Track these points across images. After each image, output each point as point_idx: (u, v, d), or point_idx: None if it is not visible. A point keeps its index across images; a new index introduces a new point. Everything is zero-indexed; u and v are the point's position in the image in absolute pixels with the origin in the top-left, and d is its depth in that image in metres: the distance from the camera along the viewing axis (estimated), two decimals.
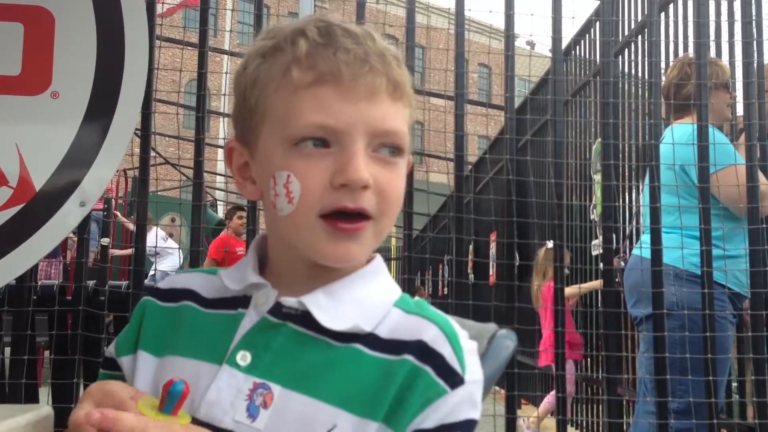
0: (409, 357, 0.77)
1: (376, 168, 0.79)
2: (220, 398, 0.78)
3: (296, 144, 0.79)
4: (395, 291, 0.87)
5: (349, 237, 0.79)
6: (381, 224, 0.81)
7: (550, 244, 4.97)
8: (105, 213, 5.86)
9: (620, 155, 3.58)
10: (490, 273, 6.82)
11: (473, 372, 0.79)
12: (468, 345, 0.81)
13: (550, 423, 4.47)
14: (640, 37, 3.77)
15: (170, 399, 0.69)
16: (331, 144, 0.78)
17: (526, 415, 5.23)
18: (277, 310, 0.81)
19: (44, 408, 0.84)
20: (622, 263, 3.43)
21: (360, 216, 0.79)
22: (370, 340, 0.80)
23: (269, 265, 0.88)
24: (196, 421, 0.76)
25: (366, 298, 0.83)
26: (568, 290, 4.78)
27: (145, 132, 2.11)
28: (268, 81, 0.82)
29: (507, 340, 0.97)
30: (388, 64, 0.80)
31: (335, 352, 0.79)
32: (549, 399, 4.93)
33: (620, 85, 3.56)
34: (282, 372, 0.78)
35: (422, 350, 0.78)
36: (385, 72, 0.79)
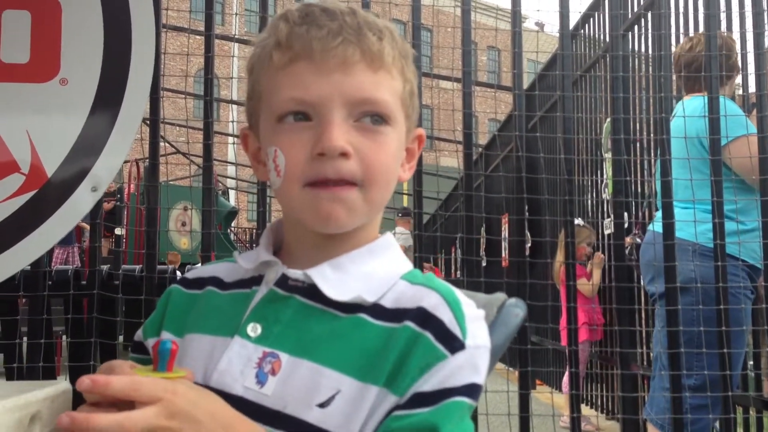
0: (409, 323, 0.79)
1: (358, 137, 0.82)
2: (230, 367, 0.81)
3: (280, 120, 0.83)
4: (405, 265, 0.89)
5: (332, 197, 0.81)
6: (370, 192, 0.83)
7: (578, 221, 4.96)
8: (118, 201, 5.90)
9: (631, 130, 3.56)
10: (503, 255, 6.82)
11: (476, 337, 0.81)
12: (472, 312, 0.83)
13: (564, 401, 4.48)
14: (649, 12, 3.74)
15: (161, 357, 0.71)
16: (312, 117, 0.82)
17: (543, 395, 5.24)
18: (284, 282, 0.85)
19: (62, 383, 0.85)
20: (638, 239, 3.42)
21: (344, 184, 0.82)
22: (375, 310, 0.82)
23: (283, 246, 0.92)
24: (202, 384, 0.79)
25: (372, 272, 0.86)
26: (584, 289, 4.77)
27: (154, 118, 2.12)
28: (259, 67, 0.87)
29: (516, 309, 0.98)
30: (363, 36, 0.82)
31: (340, 322, 0.82)
32: (567, 381, 4.91)
33: (630, 60, 3.54)
34: (290, 341, 0.81)
35: (422, 316, 0.80)
36: (358, 43, 0.82)
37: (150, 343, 0.92)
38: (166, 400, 0.68)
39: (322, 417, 0.76)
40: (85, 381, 0.68)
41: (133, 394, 0.67)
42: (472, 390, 0.79)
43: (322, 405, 0.76)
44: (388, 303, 0.82)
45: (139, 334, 0.95)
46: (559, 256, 4.95)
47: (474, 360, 0.79)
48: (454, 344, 0.78)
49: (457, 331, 0.79)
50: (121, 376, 0.69)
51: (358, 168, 0.81)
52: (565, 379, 4.88)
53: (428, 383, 0.77)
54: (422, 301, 0.81)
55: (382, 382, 0.77)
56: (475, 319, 0.82)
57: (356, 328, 0.81)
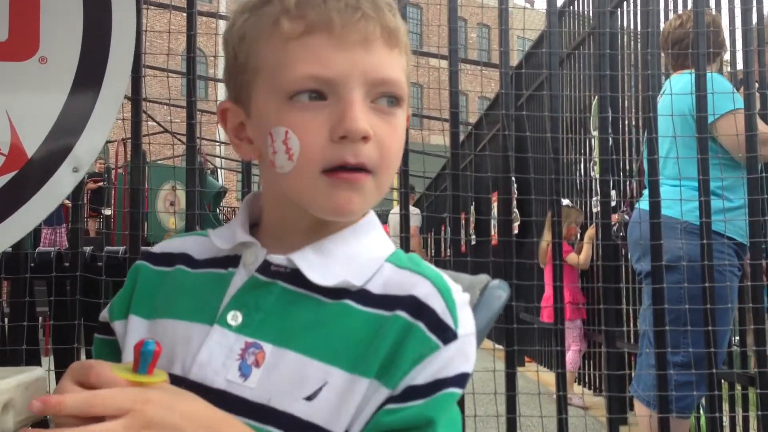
0: (401, 313, 0.76)
1: (375, 120, 0.77)
2: (211, 359, 0.77)
3: (291, 98, 0.76)
4: (388, 246, 0.86)
5: (350, 186, 0.77)
6: (381, 178, 0.79)
7: (565, 201, 4.99)
8: (105, 182, 5.86)
9: (618, 108, 3.55)
10: (493, 233, 6.83)
11: (466, 326, 0.79)
12: (461, 298, 0.80)
13: (550, 379, 4.50)
14: None
15: (143, 359, 0.68)
16: (328, 96, 0.76)
17: (532, 373, 5.27)
18: (266, 268, 0.80)
19: (36, 370, 0.83)
20: (626, 217, 3.42)
21: (360, 169, 0.77)
22: (361, 295, 0.79)
23: (261, 224, 0.87)
24: (179, 381, 0.75)
25: (357, 254, 0.82)
26: (573, 260, 4.82)
27: (135, 96, 2.09)
28: (257, 35, 0.79)
29: (499, 290, 0.96)
30: (380, 10, 0.77)
31: (326, 309, 0.78)
32: (569, 359, 4.96)
33: (618, 38, 3.52)
34: (273, 330, 0.77)
35: (414, 306, 0.77)
36: (378, 18, 0.77)
37: (117, 325, 0.87)
38: (137, 411, 0.65)
39: (308, 410, 0.73)
40: (35, 404, 0.65)
41: (91, 410, 0.64)
42: (462, 379, 0.77)
43: (308, 398, 0.73)
44: (375, 288, 0.79)
45: (104, 315, 0.90)
46: (546, 236, 4.98)
47: (464, 349, 0.77)
48: (447, 334, 0.76)
49: (449, 321, 0.77)
50: (75, 394, 0.66)
51: (375, 153, 0.77)
52: (568, 357, 4.93)
53: (421, 375, 0.74)
54: (414, 289, 0.78)
55: (373, 373, 0.74)
56: (463, 305, 0.80)
57: (342, 315, 0.77)
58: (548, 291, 4.92)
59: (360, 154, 0.75)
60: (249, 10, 0.81)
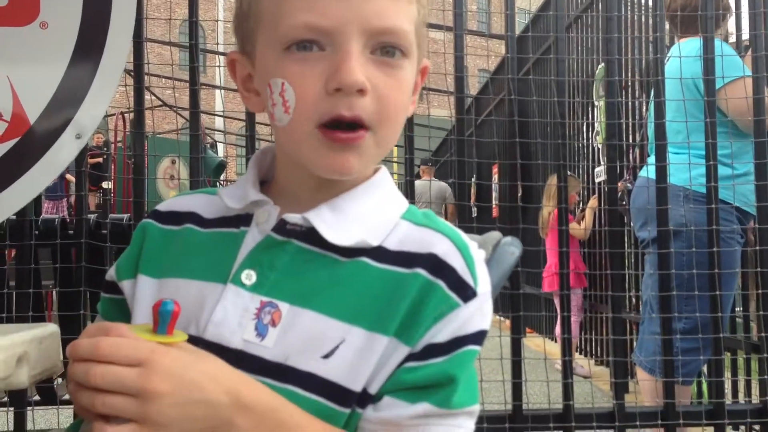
0: (421, 270, 0.75)
1: (375, 72, 0.74)
2: (227, 318, 0.75)
3: (287, 48, 0.74)
4: (402, 203, 0.84)
5: (346, 147, 0.75)
6: (381, 134, 0.76)
7: None
8: (105, 154, 5.85)
9: (623, 72, 3.52)
10: (494, 205, 6.82)
11: (483, 283, 0.78)
12: (478, 255, 0.79)
13: (555, 349, 4.53)
14: None
15: (162, 319, 0.67)
16: (326, 46, 0.73)
17: (533, 343, 5.31)
18: (281, 227, 0.79)
19: (50, 325, 0.83)
20: (629, 185, 3.41)
21: (356, 126, 0.74)
22: (378, 253, 0.77)
23: (274, 181, 0.86)
24: (195, 341, 0.73)
25: (372, 212, 0.80)
26: (576, 230, 4.83)
27: (137, 62, 2.07)
28: None
29: (512, 247, 0.96)
30: None
31: (342, 267, 0.77)
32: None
33: (623, 2, 3.47)
34: (289, 290, 0.76)
35: (434, 264, 0.75)
36: None
37: (125, 285, 0.85)
38: (154, 361, 0.63)
39: (326, 368, 0.72)
40: (81, 345, 0.64)
41: (101, 353, 0.63)
42: (481, 337, 0.77)
43: (325, 356, 0.72)
44: (391, 245, 0.78)
45: (111, 274, 0.88)
46: (548, 204, 4.98)
47: (482, 306, 0.77)
48: (467, 293, 0.75)
49: (469, 279, 0.75)
50: (89, 339, 0.65)
51: (372, 107, 0.74)
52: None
53: (442, 333, 0.74)
54: (433, 247, 0.76)
55: (393, 331, 0.73)
56: (480, 262, 0.79)
57: (359, 273, 0.76)
58: (550, 260, 4.93)
59: (355, 107, 0.73)
60: None
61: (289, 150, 0.80)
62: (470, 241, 0.80)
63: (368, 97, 0.74)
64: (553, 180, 5.03)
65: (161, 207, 0.90)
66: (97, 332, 0.68)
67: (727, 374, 3.23)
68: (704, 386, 3.06)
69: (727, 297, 2.55)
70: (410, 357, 0.73)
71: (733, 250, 2.54)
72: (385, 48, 0.75)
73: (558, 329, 4.94)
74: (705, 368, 2.71)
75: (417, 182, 7.83)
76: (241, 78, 0.84)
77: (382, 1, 0.74)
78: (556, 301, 5.00)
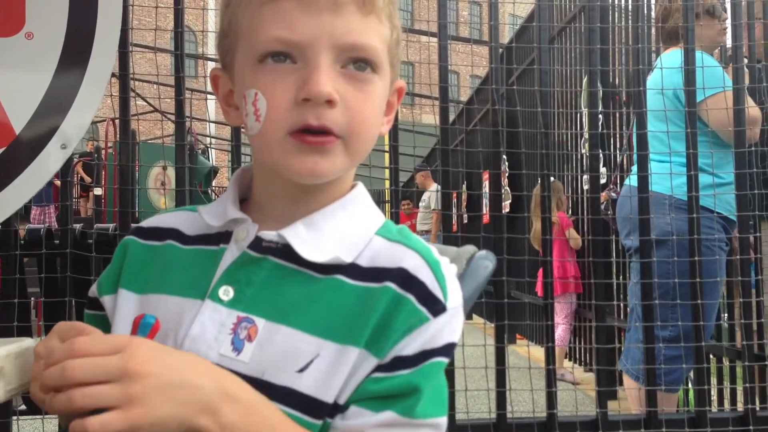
0: (390, 284, 0.77)
1: (344, 85, 0.77)
2: (204, 333, 0.77)
3: (261, 60, 0.77)
4: (377, 218, 0.86)
5: (315, 150, 0.77)
6: (351, 144, 0.79)
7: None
8: (96, 160, 5.84)
9: (609, 83, 3.54)
10: (484, 212, 6.84)
11: (454, 298, 0.79)
12: (449, 271, 0.81)
13: (541, 354, 4.55)
14: None
15: (141, 331, 0.68)
16: (297, 59, 0.76)
17: (524, 350, 5.32)
18: (258, 244, 0.81)
19: (26, 340, 0.83)
20: (613, 194, 3.43)
21: (326, 133, 0.77)
22: (352, 269, 0.79)
23: (251, 199, 0.88)
24: None
25: (347, 228, 0.82)
26: (574, 236, 4.89)
27: (123, 72, 2.08)
28: (237, 1, 0.81)
29: (485, 261, 0.97)
30: None
31: (317, 284, 0.78)
32: (560, 336, 5.00)
33: (609, 12, 3.50)
34: (265, 305, 0.77)
35: (404, 278, 0.77)
36: None
37: (106, 300, 0.87)
38: (132, 346, 0.65)
39: (300, 382, 0.74)
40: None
41: (78, 351, 0.65)
42: (449, 349, 0.78)
43: (300, 370, 0.74)
44: (364, 261, 0.80)
45: (93, 290, 0.90)
46: (535, 210, 5.01)
47: (452, 321, 0.78)
48: (437, 307, 0.77)
49: (438, 293, 0.77)
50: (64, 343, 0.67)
51: (342, 117, 0.76)
52: (558, 333, 4.97)
53: (410, 346, 0.75)
54: (402, 262, 0.78)
55: (363, 343, 0.75)
56: (451, 278, 0.81)
57: (334, 290, 0.78)
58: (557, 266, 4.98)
59: (323, 117, 0.75)
60: None
61: (261, 157, 0.82)
62: (441, 257, 0.82)
63: (337, 109, 0.76)
64: (536, 190, 5.08)
65: (144, 224, 0.91)
66: (69, 330, 0.70)
67: (714, 381, 3.25)
68: (691, 394, 3.08)
69: (712, 305, 2.57)
70: (378, 368, 0.75)
71: (717, 259, 2.57)
72: (356, 62, 0.78)
73: (558, 334, 4.97)
74: (691, 375, 2.73)
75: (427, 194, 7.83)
76: (222, 94, 0.86)
77: (351, 18, 0.77)
78: (563, 312, 5.01)
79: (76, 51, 1.78)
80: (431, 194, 7.24)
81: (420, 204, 7.44)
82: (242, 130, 0.88)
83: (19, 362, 0.78)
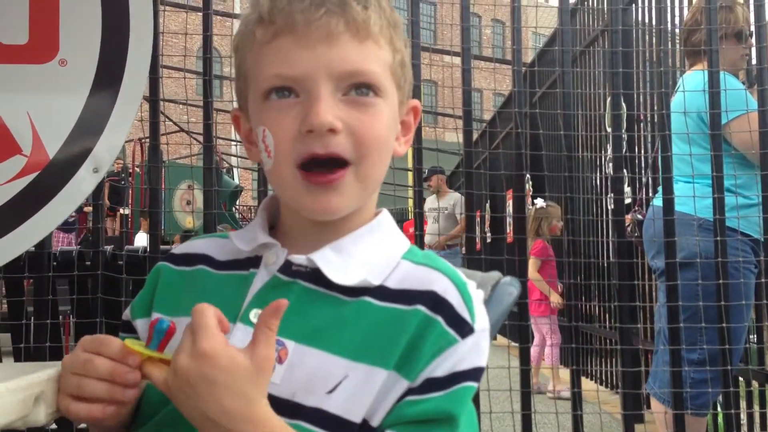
0: (420, 307, 0.79)
1: (347, 111, 0.79)
2: None
3: (266, 98, 0.81)
4: (403, 243, 0.88)
5: (327, 189, 0.80)
6: (363, 169, 0.81)
7: (540, 202, 5.06)
8: (122, 180, 5.93)
9: (633, 105, 3.54)
10: (508, 231, 6.82)
11: (481, 321, 0.81)
12: (476, 294, 0.83)
13: (566, 376, 4.51)
14: None
15: (156, 335, 0.72)
16: (299, 93, 0.80)
17: (544, 370, 5.29)
18: (287, 268, 0.83)
19: None
20: (639, 216, 3.41)
21: (335, 164, 0.79)
22: (380, 292, 0.81)
23: (279, 225, 0.90)
24: None
25: (374, 252, 0.84)
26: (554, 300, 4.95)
27: (153, 98, 2.12)
28: (243, 45, 0.85)
29: (510, 287, 0.98)
30: (347, 5, 0.80)
31: (345, 307, 0.80)
32: (548, 353, 5.03)
33: (633, 34, 3.50)
34: (295, 328, 0.79)
35: (433, 300, 0.79)
36: (342, 13, 0.79)
37: (138, 323, 0.90)
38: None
39: (329, 402, 0.76)
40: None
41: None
42: (478, 373, 0.80)
43: (330, 391, 0.76)
44: (392, 284, 0.82)
45: (127, 314, 0.93)
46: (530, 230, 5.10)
47: (479, 343, 0.80)
48: (465, 329, 0.78)
49: (466, 315, 0.79)
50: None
51: (348, 143, 0.79)
52: (548, 350, 5.01)
53: (440, 368, 0.77)
54: (432, 285, 0.80)
55: (393, 365, 0.76)
56: (479, 302, 0.83)
57: (362, 312, 0.80)
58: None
59: (329, 144, 0.78)
60: (241, 21, 0.86)
61: (278, 192, 0.86)
62: (468, 280, 0.83)
63: (342, 135, 0.79)
64: (530, 213, 5.14)
65: (176, 250, 0.95)
66: (92, 342, 0.76)
67: (743, 404, 3.20)
68: (720, 418, 3.04)
69: (740, 328, 2.54)
70: (410, 391, 0.76)
71: (744, 282, 2.53)
72: (357, 88, 0.81)
73: (547, 351, 5.00)
74: (720, 399, 2.69)
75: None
76: (244, 133, 0.90)
77: (346, 47, 0.80)
78: (536, 329, 5.08)
79: (108, 76, 1.83)
80: (456, 200, 7.09)
81: (441, 213, 7.25)
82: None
83: (59, 386, 0.81)
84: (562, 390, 4.72)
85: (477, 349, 0.80)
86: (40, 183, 1.78)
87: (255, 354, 0.72)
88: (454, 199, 7.18)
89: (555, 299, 4.99)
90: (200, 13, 2.17)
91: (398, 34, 0.86)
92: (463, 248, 7.14)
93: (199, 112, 2.24)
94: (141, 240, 6.25)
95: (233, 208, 11.56)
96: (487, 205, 7.89)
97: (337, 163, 0.80)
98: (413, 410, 0.76)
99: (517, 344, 2.35)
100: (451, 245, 7.26)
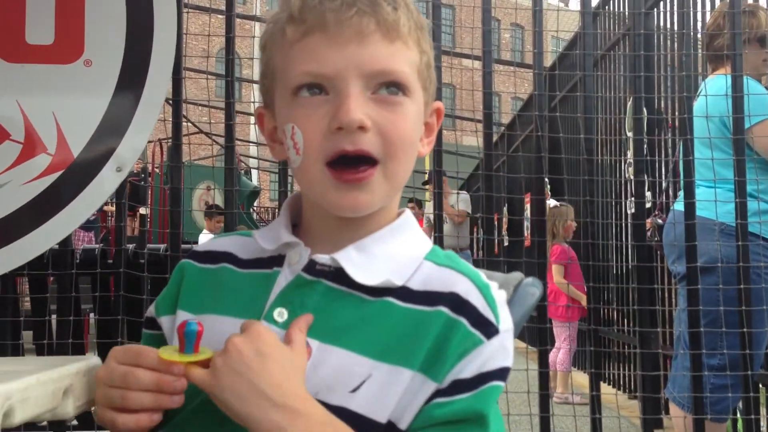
0: (443, 308, 0.79)
1: (376, 109, 0.80)
2: None
3: (295, 94, 0.81)
4: (426, 244, 0.89)
5: (355, 187, 0.80)
6: (390, 167, 0.82)
7: (552, 202, 5.02)
8: (142, 181, 5.98)
9: (654, 109, 3.52)
10: (526, 234, 6.80)
11: (505, 321, 0.81)
12: (498, 295, 0.83)
13: (584, 380, 4.48)
14: None
15: (188, 340, 0.73)
16: (329, 91, 0.80)
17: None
18: (311, 267, 0.83)
19: (93, 358, 0.88)
20: (659, 220, 3.39)
21: (363, 161, 0.80)
22: (402, 292, 0.81)
23: (302, 224, 0.90)
24: None
25: (397, 253, 0.85)
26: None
27: (176, 98, 2.14)
28: (272, 43, 0.85)
29: (533, 288, 0.99)
30: (378, 6, 0.80)
31: (368, 307, 0.81)
32: (561, 359, 4.99)
33: (654, 38, 3.49)
34: (318, 327, 0.80)
35: (456, 302, 0.79)
36: (373, 13, 0.80)
37: (164, 320, 0.91)
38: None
39: (353, 401, 0.77)
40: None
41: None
42: (504, 373, 0.80)
43: (353, 390, 0.77)
44: (415, 285, 0.82)
45: (151, 311, 0.94)
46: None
47: (505, 344, 0.80)
48: (489, 329, 0.79)
49: (491, 316, 0.80)
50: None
51: (377, 141, 0.80)
52: (561, 355, 4.96)
53: (467, 369, 0.77)
54: (454, 286, 0.81)
55: (417, 366, 0.77)
56: (502, 303, 0.83)
57: (385, 312, 0.80)
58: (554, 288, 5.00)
59: (358, 142, 0.79)
60: (270, 20, 0.87)
61: (304, 190, 0.86)
62: (491, 281, 0.84)
63: (370, 133, 0.79)
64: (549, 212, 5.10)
65: (199, 248, 0.96)
66: (125, 353, 0.76)
67: (763, 411, 3.16)
68: (740, 424, 3.01)
69: (761, 334, 2.52)
70: (438, 393, 0.77)
71: (766, 286, 2.51)
72: (387, 87, 0.81)
73: (560, 358, 4.96)
74: (740, 405, 2.67)
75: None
76: (268, 130, 0.91)
77: (377, 47, 0.80)
78: (556, 331, 5.03)
79: (132, 77, 1.85)
80: (463, 200, 7.05)
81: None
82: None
83: (87, 379, 0.82)
84: (568, 395, 4.71)
85: (503, 349, 0.80)
86: (64, 181, 1.80)
87: (293, 349, 0.76)
88: (458, 199, 7.15)
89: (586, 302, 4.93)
90: (218, 16, 2.19)
91: (424, 36, 0.87)
92: (480, 251, 7.10)
93: (216, 113, 2.25)
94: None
95: (251, 209, 11.61)
96: (505, 208, 7.87)
97: (365, 161, 0.80)
98: (442, 411, 0.76)
99: (534, 348, 2.34)
100: (462, 248, 7.23)
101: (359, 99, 0.79)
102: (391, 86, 0.81)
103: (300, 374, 0.75)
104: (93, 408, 0.80)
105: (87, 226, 8.21)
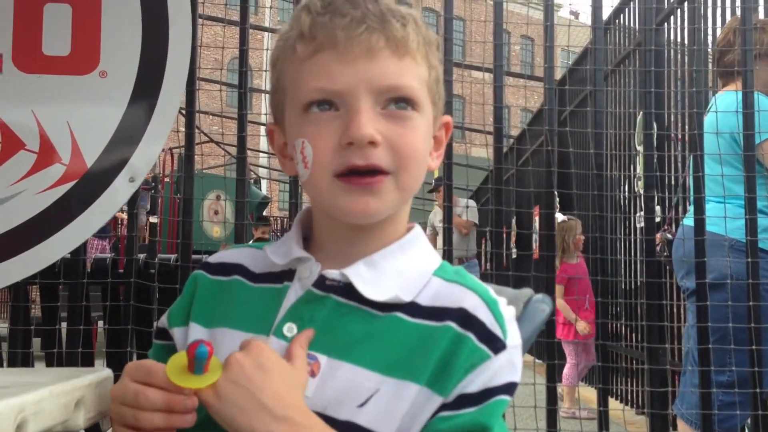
0: (451, 324, 0.80)
1: (386, 124, 0.81)
2: None
3: (306, 110, 0.83)
4: (435, 259, 0.90)
5: (365, 191, 0.81)
6: (401, 179, 0.83)
7: (560, 217, 5.00)
8: (153, 190, 5.99)
9: (664, 125, 3.51)
10: (534, 247, 6.78)
11: (513, 337, 0.82)
12: (507, 311, 0.84)
13: (591, 395, 4.47)
14: (686, 3, 3.69)
15: (198, 363, 0.73)
16: (339, 107, 0.81)
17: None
18: (321, 282, 0.85)
19: (105, 370, 0.88)
20: (668, 235, 3.39)
21: (374, 172, 0.81)
22: (411, 308, 0.82)
23: (313, 238, 0.91)
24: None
25: (406, 268, 0.86)
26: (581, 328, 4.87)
27: (189, 109, 2.16)
28: (283, 59, 0.87)
29: (542, 304, 0.99)
30: (387, 23, 0.82)
31: (377, 322, 0.82)
32: (566, 373, 4.98)
33: (664, 54, 3.49)
34: (327, 342, 0.81)
35: (464, 317, 0.80)
36: (383, 30, 0.81)
37: (176, 332, 0.91)
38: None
39: (360, 416, 0.77)
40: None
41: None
42: (511, 388, 0.81)
43: (360, 405, 0.78)
44: (423, 301, 0.83)
45: (163, 321, 0.95)
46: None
47: (512, 359, 0.81)
48: (497, 345, 0.80)
49: (498, 332, 0.80)
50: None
51: (387, 156, 0.81)
52: (566, 370, 4.95)
53: (473, 384, 0.78)
54: (462, 302, 0.82)
55: (424, 381, 0.78)
56: (510, 319, 0.84)
57: (393, 327, 0.81)
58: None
59: (369, 156, 0.80)
60: (280, 37, 0.88)
61: (314, 201, 0.87)
62: (499, 297, 0.85)
63: (381, 148, 0.80)
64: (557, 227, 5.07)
65: (211, 259, 0.96)
66: (137, 370, 0.76)
67: None
68: None
69: None
70: (444, 407, 0.77)
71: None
72: (396, 102, 0.82)
73: (565, 372, 4.94)
74: (750, 423, 2.65)
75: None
76: (278, 146, 0.92)
77: (386, 63, 0.82)
78: (567, 349, 5.02)
79: (146, 88, 1.87)
80: (469, 206, 7.01)
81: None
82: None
83: (98, 392, 0.83)
84: (575, 410, 4.68)
85: (510, 364, 0.81)
86: (78, 191, 1.82)
87: (294, 364, 0.77)
88: (462, 207, 7.11)
89: (581, 327, 4.92)
90: (229, 27, 2.20)
91: (433, 51, 0.88)
92: (488, 264, 7.05)
93: (228, 123, 2.26)
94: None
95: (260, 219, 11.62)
96: (513, 221, 7.86)
97: (375, 172, 0.81)
98: (447, 425, 0.77)
99: (541, 361, 2.34)
100: (468, 257, 7.19)
101: (369, 114, 0.80)
102: (400, 102, 0.83)
103: (301, 389, 0.76)
104: (110, 430, 0.81)
105: (101, 235, 8.24)
